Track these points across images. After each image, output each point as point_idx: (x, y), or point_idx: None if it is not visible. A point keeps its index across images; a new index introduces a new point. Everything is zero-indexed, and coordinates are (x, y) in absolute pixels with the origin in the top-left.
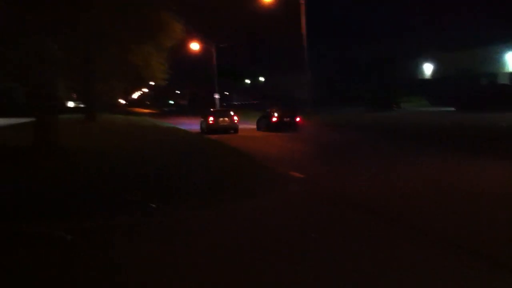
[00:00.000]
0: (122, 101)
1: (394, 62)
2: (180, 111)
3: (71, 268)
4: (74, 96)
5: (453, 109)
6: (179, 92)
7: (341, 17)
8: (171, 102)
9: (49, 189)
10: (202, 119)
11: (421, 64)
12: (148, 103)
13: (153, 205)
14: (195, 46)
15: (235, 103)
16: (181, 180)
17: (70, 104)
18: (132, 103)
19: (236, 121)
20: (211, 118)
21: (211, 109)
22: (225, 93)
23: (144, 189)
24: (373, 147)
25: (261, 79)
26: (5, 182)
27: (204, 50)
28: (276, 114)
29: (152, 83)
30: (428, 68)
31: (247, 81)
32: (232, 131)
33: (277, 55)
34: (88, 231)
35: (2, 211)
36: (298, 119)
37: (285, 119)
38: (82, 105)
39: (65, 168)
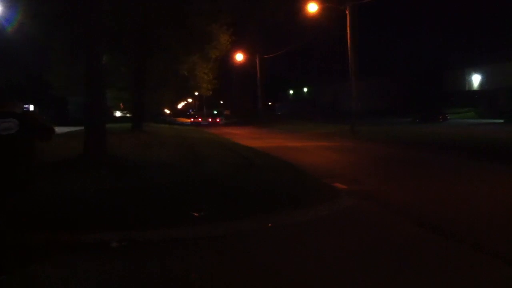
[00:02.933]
0: (167, 111)
1: (442, 73)
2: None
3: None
4: (122, 105)
5: (501, 121)
6: (222, 102)
7: (389, 28)
8: (215, 112)
9: (98, 198)
10: None
11: (469, 75)
12: (192, 112)
13: (195, 214)
14: (239, 56)
15: (279, 113)
16: (234, 192)
17: (117, 113)
18: (177, 112)
19: None
20: None
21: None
22: (269, 103)
23: (193, 200)
24: (430, 164)
25: (305, 89)
26: (55, 191)
27: (249, 61)
28: None
29: (197, 93)
30: (476, 80)
31: (291, 91)
32: None
33: (323, 66)
34: (143, 243)
35: (48, 219)
36: None
37: None
38: (128, 115)
39: (114, 177)
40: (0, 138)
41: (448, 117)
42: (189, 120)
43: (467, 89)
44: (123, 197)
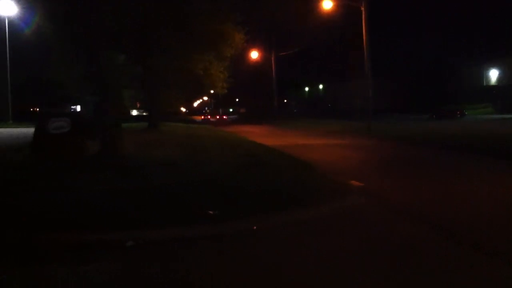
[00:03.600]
0: (183, 109)
1: (459, 68)
2: (240, 119)
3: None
4: (138, 104)
5: None
6: (238, 100)
7: (404, 24)
8: (231, 110)
9: (112, 198)
10: None
11: (487, 70)
12: (208, 111)
13: (211, 212)
14: (254, 54)
15: (294, 111)
16: (249, 190)
17: (134, 112)
18: (193, 111)
19: None
20: None
21: None
22: (284, 101)
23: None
24: (446, 163)
25: (320, 87)
26: (69, 191)
27: (264, 59)
28: None
29: (212, 91)
30: (494, 75)
31: (306, 89)
32: None
33: (338, 63)
34: (154, 243)
35: (59, 220)
36: None
37: None
38: (145, 114)
39: (121, 177)
40: (53, 136)
41: (465, 113)
42: (200, 118)
43: (484, 84)
44: (129, 198)
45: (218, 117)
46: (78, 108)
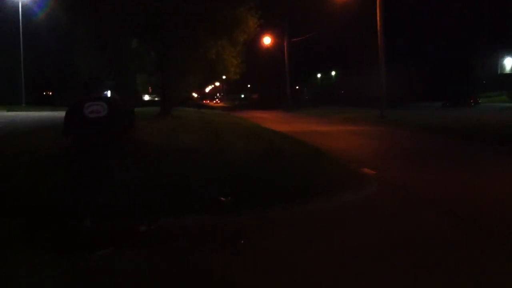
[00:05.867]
0: (195, 95)
1: (473, 56)
2: (251, 104)
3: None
4: (150, 89)
5: None
6: (250, 85)
7: (418, 12)
8: (243, 95)
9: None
10: None
11: (502, 58)
12: (220, 96)
13: (223, 199)
14: (267, 40)
15: (306, 97)
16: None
17: (146, 97)
18: (205, 96)
19: None
20: None
21: None
22: (296, 87)
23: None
24: (460, 152)
25: (333, 73)
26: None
27: (277, 44)
28: None
29: (224, 77)
30: (509, 63)
31: (319, 75)
32: None
33: (351, 51)
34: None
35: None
36: None
37: None
38: (157, 99)
39: (142, 165)
40: (90, 120)
41: (479, 101)
42: (207, 102)
43: (499, 72)
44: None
45: (215, 101)
46: (109, 93)
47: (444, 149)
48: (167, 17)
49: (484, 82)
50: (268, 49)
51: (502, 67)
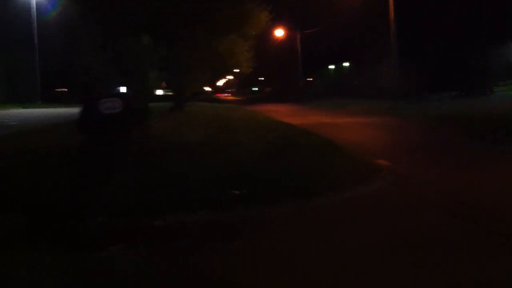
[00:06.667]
0: (208, 89)
1: (486, 45)
2: (264, 97)
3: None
4: (163, 84)
5: None
6: (263, 78)
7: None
8: (255, 89)
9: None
10: None
11: None
12: (232, 90)
13: (236, 192)
14: (279, 32)
15: (319, 89)
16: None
17: (159, 92)
18: (218, 90)
19: None
20: None
21: None
22: (308, 79)
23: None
24: (472, 146)
25: (346, 65)
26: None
27: (289, 37)
28: None
29: (237, 70)
30: None
31: (331, 67)
32: None
33: (363, 41)
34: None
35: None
36: None
37: None
38: (170, 93)
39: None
40: (105, 117)
41: (494, 90)
42: (219, 96)
43: None
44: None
45: (225, 94)
46: (124, 89)
47: (464, 144)
48: (167, 17)
49: (499, 70)
50: (280, 42)
51: None
